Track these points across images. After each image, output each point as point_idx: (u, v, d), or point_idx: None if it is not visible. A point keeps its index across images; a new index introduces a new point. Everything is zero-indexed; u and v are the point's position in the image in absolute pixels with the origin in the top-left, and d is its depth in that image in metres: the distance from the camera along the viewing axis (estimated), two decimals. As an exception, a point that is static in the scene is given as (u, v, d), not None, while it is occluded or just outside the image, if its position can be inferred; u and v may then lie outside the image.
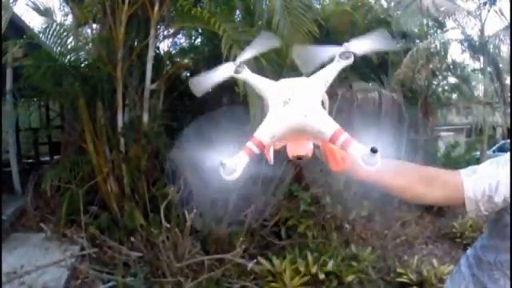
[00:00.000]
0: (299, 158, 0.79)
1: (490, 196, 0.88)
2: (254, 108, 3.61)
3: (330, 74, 0.77)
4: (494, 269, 1.01)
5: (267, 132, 0.72)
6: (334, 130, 0.70)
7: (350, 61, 0.75)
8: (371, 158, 0.65)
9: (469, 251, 1.18)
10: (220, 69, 0.81)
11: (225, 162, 0.67)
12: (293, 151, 0.79)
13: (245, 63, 0.82)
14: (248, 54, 0.81)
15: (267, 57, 3.90)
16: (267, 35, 0.87)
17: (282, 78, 0.79)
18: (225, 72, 0.80)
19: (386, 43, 0.80)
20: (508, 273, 0.97)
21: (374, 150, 0.65)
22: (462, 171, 0.92)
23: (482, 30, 7.58)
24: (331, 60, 0.78)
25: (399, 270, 4.18)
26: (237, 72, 0.80)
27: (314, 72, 0.79)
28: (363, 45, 0.76)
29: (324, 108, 0.78)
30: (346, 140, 0.69)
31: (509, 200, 0.89)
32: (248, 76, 0.80)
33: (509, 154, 0.92)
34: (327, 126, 0.71)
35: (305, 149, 0.79)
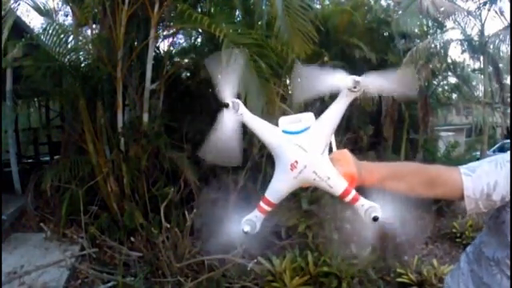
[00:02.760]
0: None
1: (488, 194, 0.91)
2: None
3: (337, 115, 0.75)
4: (492, 264, 1.04)
5: (277, 195, 0.78)
6: (342, 191, 0.75)
7: (359, 93, 0.73)
8: (371, 221, 0.73)
9: (468, 248, 1.22)
10: (223, 123, 0.77)
11: (246, 230, 0.77)
12: None
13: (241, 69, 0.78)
14: (229, 88, 0.76)
15: (266, 59, 3.90)
16: (225, 57, 0.81)
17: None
18: (229, 122, 0.76)
19: (402, 86, 0.74)
20: (504, 269, 1.00)
21: (375, 219, 0.72)
22: (462, 169, 0.95)
23: (481, 30, 7.59)
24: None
25: (399, 270, 4.18)
26: (236, 111, 0.76)
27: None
28: (375, 82, 0.72)
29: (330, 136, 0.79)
30: (353, 198, 0.75)
31: (507, 199, 0.91)
32: (247, 119, 0.77)
33: (507, 153, 0.94)
34: (335, 186, 0.75)
35: None
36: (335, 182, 0.75)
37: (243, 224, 0.77)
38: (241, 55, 0.84)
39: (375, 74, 0.73)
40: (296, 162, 0.73)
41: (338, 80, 0.73)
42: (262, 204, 0.79)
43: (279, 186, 0.78)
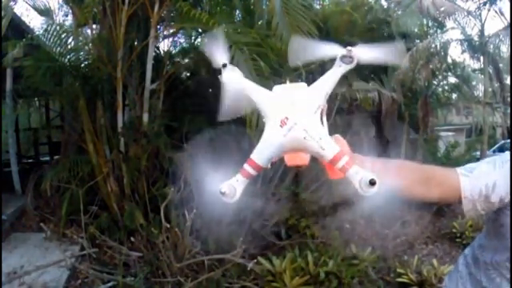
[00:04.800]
0: (297, 166, 0.79)
1: (486, 196, 0.89)
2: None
3: (330, 82, 0.75)
4: (490, 268, 1.02)
5: (264, 155, 0.72)
6: (334, 153, 0.70)
7: (352, 65, 0.73)
8: (368, 188, 0.66)
9: (466, 250, 1.19)
10: (227, 83, 0.77)
11: (224, 191, 0.69)
12: (291, 161, 0.79)
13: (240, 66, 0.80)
14: (220, 51, 0.78)
15: (266, 57, 3.89)
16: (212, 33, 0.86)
17: (278, 84, 0.77)
18: (233, 80, 0.77)
19: (393, 57, 0.77)
20: (504, 272, 0.98)
21: (372, 182, 0.65)
22: (460, 170, 0.93)
23: (481, 30, 7.58)
24: (331, 61, 0.76)
25: (399, 270, 4.18)
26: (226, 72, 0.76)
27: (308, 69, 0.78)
28: (368, 53, 0.74)
29: (322, 118, 0.77)
30: (345, 164, 0.69)
31: (506, 200, 0.89)
32: (240, 81, 0.77)
33: (506, 153, 0.92)
34: (327, 148, 0.70)
35: (302, 159, 0.78)
36: (327, 142, 0.70)
37: (222, 185, 0.70)
38: (220, 31, 0.87)
39: (367, 46, 0.75)
40: (286, 118, 0.69)
41: (331, 48, 0.73)
42: (246, 166, 0.72)
43: (267, 146, 0.72)
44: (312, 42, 0.77)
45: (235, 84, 0.77)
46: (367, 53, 0.74)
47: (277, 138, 0.71)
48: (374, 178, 0.65)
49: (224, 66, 0.75)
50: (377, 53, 0.74)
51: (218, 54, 0.77)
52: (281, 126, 0.70)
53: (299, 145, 0.71)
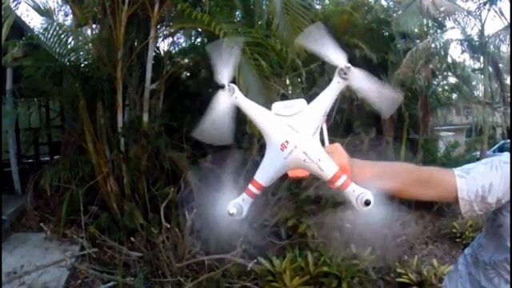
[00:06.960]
0: (298, 177, 0.81)
1: (483, 197, 0.90)
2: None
3: (328, 101, 0.77)
4: (489, 268, 1.03)
5: (267, 176, 0.78)
6: (332, 174, 0.74)
7: (346, 83, 0.75)
8: (363, 206, 0.71)
9: (466, 250, 1.20)
10: (218, 104, 0.78)
11: (232, 212, 0.75)
12: (292, 173, 0.82)
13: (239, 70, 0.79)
14: (226, 72, 0.78)
15: (266, 57, 3.90)
16: (224, 43, 0.82)
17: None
18: (224, 103, 0.78)
19: (388, 95, 0.77)
20: (502, 273, 0.99)
21: (367, 203, 0.70)
22: (456, 171, 0.93)
23: (481, 30, 7.59)
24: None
25: (399, 270, 4.18)
26: (231, 94, 0.78)
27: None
28: (363, 80, 0.75)
29: (323, 127, 0.79)
30: (343, 183, 0.74)
31: (503, 201, 0.90)
32: (241, 102, 0.79)
33: (503, 155, 0.93)
34: (326, 169, 0.75)
35: (303, 172, 0.81)
36: (326, 164, 0.74)
37: (229, 206, 0.75)
38: (239, 43, 0.86)
39: (371, 76, 0.75)
40: (287, 141, 0.73)
41: (334, 53, 0.74)
42: (250, 187, 0.78)
43: (269, 168, 0.77)
44: (325, 38, 0.75)
45: (234, 102, 0.78)
46: (362, 79, 0.75)
47: (278, 160, 0.76)
48: (369, 199, 0.70)
49: (222, 87, 0.77)
50: (371, 84, 0.75)
51: (223, 72, 0.78)
52: (281, 150, 0.74)
53: (299, 166, 0.76)
